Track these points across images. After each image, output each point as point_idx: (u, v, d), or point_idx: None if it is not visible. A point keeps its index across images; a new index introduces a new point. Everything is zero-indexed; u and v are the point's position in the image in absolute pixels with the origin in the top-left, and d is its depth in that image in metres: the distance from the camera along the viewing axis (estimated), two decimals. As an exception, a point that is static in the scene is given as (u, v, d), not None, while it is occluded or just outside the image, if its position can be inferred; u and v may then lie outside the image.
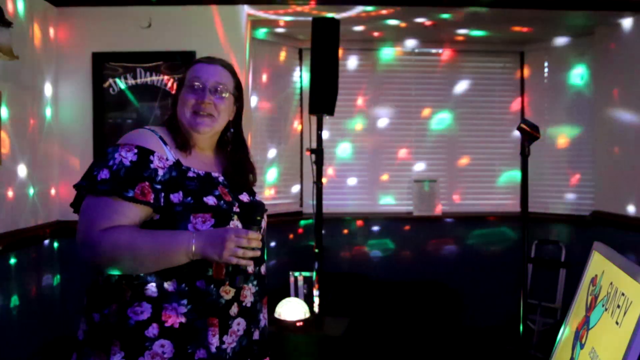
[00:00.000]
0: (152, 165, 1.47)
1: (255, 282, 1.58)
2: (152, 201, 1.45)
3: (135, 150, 1.47)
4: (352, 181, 4.52)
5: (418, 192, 4.47)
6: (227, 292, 1.50)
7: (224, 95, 1.60)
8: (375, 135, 4.52)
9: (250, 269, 1.55)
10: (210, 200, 1.50)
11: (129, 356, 1.42)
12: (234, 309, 1.52)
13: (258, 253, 1.45)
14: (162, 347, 1.43)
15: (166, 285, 1.45)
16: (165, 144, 1.54)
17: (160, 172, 1.48)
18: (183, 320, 1.45)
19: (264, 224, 1.67)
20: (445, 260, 4.42)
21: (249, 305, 1.56)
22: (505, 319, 4.11)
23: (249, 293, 1.56)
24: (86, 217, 1.45)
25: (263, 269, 1.64)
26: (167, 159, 1.51)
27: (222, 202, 1.53)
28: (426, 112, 4.56)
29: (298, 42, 4.35)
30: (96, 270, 1.51)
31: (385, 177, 4.53)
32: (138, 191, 1.43)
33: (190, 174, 1.53)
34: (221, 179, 1.61)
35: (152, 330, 1.43)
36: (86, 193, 1.47)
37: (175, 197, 1.47)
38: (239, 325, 1.53)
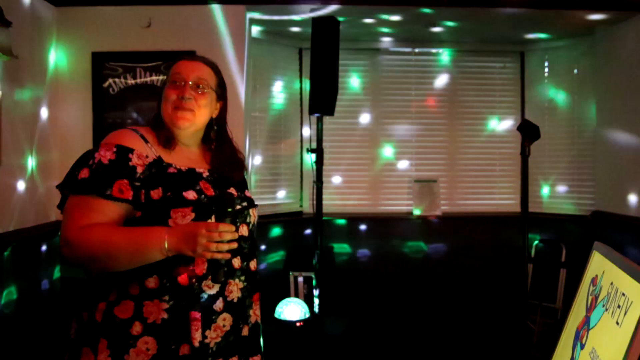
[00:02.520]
0: (130, 163, 1.48)
1: (243, 278, 1.58)
2: (131, 198, 1.46)
3: (115, 149, 1.49)
4: (352, 181, 4.51)
5: (418, 192, 4.47)
6: (210, 287, 1.50)
7: (205, 91, 1.61)
8: (375, 135, 4.52)
9: (237, 263, 1.56)
10: (190, 194, 1.51)
11: (115, 354, 1.43)
12: (218, 304, 1.52)
13: (234, 245, 1.44)
14: (146, 344, 1.44)
15: (147, 282, 1.46)
16: (147, 141, 1.55)
17: (139, 170, 1.49)
18: (165, 316, 1.46)
19: (253, 219, 1.67)
20: (445, 260, 4.42)
21: (235, 300, 1.56)
22: (505, 319, 4.11)
23: (235, 288, 1.56)
24: (67, 216, 1.47)
25: (253, 264, 1.64)
26: (146, 157, 1.52)
27: (202, 196, 1.53)
28: (426, 112, 4.55)
29: (298, 42, 4.35)
30: (84, 269, 1.53)
31: (385, 177, 4.53)
32: (116, 189, 1.45)
33: (171, 170, 1.54)
34: (206, 174, 1.61)
35: (136, 327, 1.44)
36: (68, 193, 1.50)
37: (156, 193, 1.48)
38: (224, 320, 1.53)
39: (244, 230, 1.59)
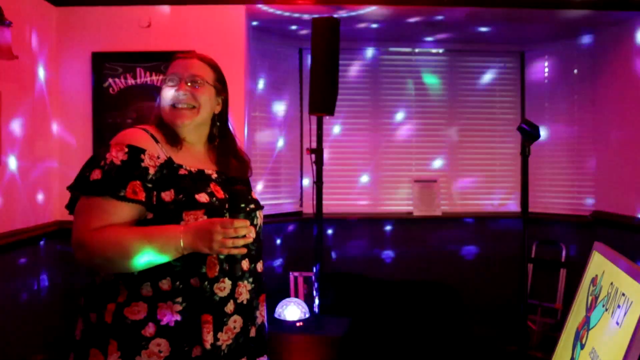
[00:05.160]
0: (142, 164, 1.47)
1: (251, 280, 1.58)
2: (144, 200, 1.45)
3: (126, 150, 1.48)
4: (352, 181, 4.51)
5: (418, 192, 4.47)
6: (222, 289, 1.50)
7: (202, 86, 1.61)
8: (375, 135, 4.52)
9: (245, 265, 1.56)
10: (202, 197, 1.50)
11: (126, 356, 1.42)
12: (229, 306, 1.52)
13: (250, 240, 1.45)
14: (158, 346, 1.43)
15: (161, 284, 1.46)
16: (157, 141, 1.55)
17: (151, 171, 1.48)
18: (178, 318, 1.45)
19: (259, 221, 1.67)
20: (445, 260, 4.42)
21: (244, 302, 1.56)
22: (505, 319, 4.11)
23: (244, 290, 1.56)
24: (79, 218, 1.46)
25: (259, 266, 1.64)
26: (158, 157, 1.51)
27: (214, 199, 1.53)
28: (426, 112, 4.55)
29: (298, 42, 4.35)
30: (92, 270, 1.52)
31: (385, 177, 4.52)
32: (130, 190, 1.44)
33: (182, 172, 1.53)
34: (214, 176, 1.61)
35: (149, 329, 1.43)
36: (79, 194, 1.48)
37: (167, 195, 1.48)
38: (235, 322, 1.53)
39: (251, 233, 1.58)
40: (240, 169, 1.73)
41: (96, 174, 1.45)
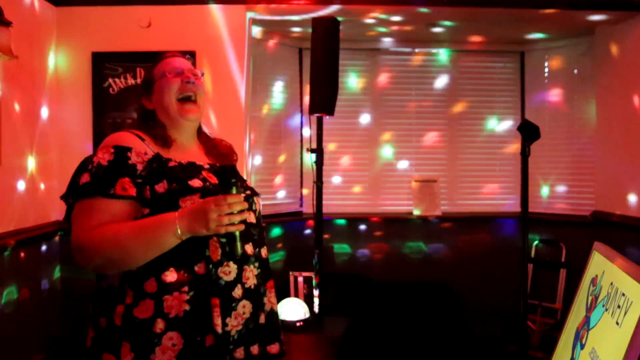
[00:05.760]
0: (129, 162, 1.48)
1: (257, 264, 1.57)
2: (135, 195, 1.46)
3: (112, 150, 1.49)
4: (352, 181, 4.51)
5: (418, 192, 4.47)
6: (227, 274, 1.49)
7: (199, 78, 1.67)
8: (375, 135, 4.52)
9: (250, 250, 1.55)
10: (196, 182, 1.51)
11: (140, 356, 1.41)
12: (237, 291, 1.50)
13: (246, 215, 1.44)
14: (171, 340, 1.42)
15: (164, 276, 1.44)
16: (143, 140, 1.56)
17: (139, 167, 1.49)
18: (187, 307, 1.44)
19: (258, 206, 1.67)
20: (445, 260, 4.42)
21: (252, 287, 1.54)
22: (505, 319, 4.11)
23: (251, 275, 1.54)
24: (75, 222, 1.47)
25: (264, 251, 1.62)
26: (145, 154, 1.52)
27: (207, 183, 1.53)
28: (426, 112, 4.55)
29: (298, 42, 4.35)
30: (97, 274, 1.52)
31: (385, 177, 4.52)
32: (119, 187, 1.44)
33: (172, 164, 1.54)
34: (206, 166, 1.62)
35: (159, 325, 1.42)
36: (72, 201, 1.49)
37: (160, 187, 1.48)
38: (244, 307, 1.51)
39: (251, 218, 1.58)
40: (227, 155, 1.75)
41: (85, 178, 1.46)
